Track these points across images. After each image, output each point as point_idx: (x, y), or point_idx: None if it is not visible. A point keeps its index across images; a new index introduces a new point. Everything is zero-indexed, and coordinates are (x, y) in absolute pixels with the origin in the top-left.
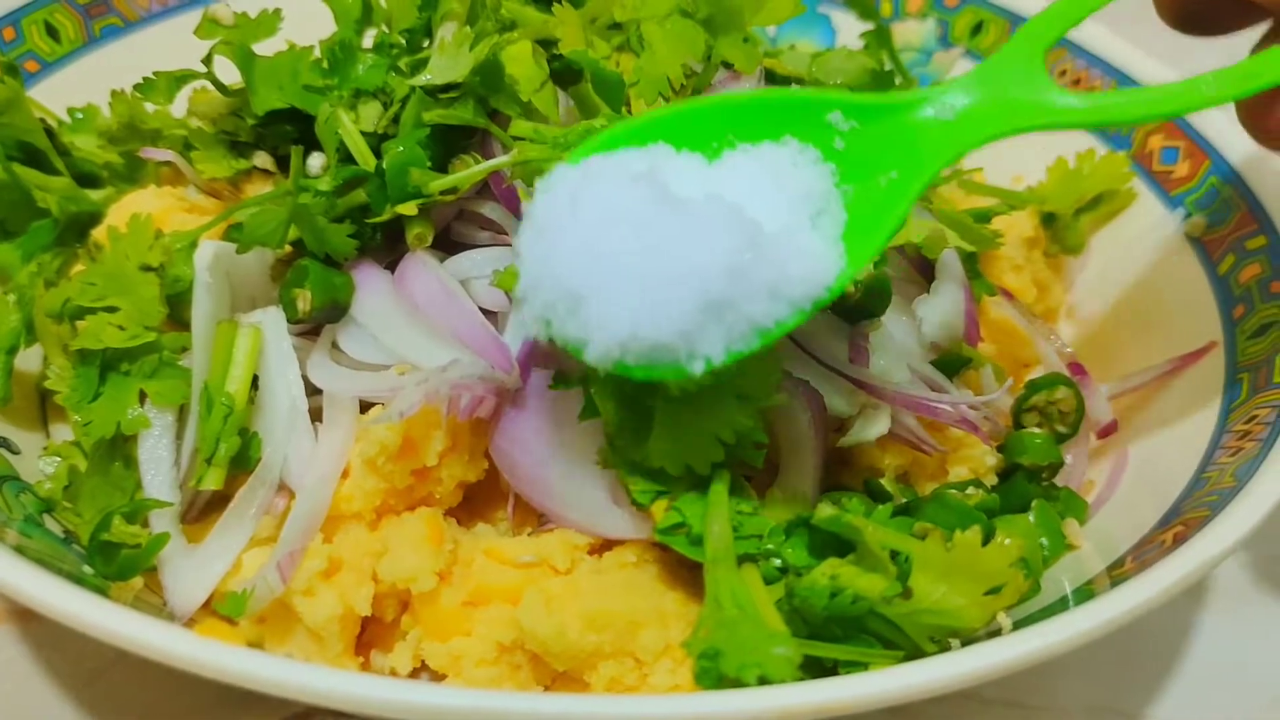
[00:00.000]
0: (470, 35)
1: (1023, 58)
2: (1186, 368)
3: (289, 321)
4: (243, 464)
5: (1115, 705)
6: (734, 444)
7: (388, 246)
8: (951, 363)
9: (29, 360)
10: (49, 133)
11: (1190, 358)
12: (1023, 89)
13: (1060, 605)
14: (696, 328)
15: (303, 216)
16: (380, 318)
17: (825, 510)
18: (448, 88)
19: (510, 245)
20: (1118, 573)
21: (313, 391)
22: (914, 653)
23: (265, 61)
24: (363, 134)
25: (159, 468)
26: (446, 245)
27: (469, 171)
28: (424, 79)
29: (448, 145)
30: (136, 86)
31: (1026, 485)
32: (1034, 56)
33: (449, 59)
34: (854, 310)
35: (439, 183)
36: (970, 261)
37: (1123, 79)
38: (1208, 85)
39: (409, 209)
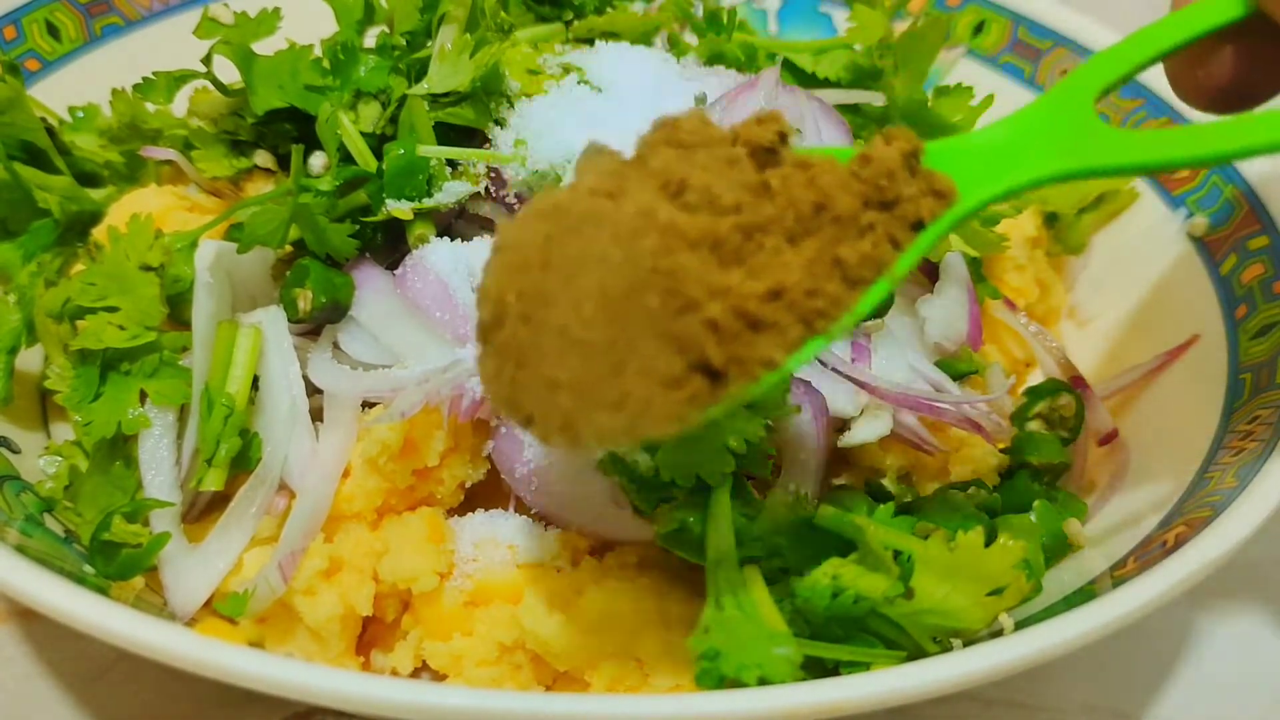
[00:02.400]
0: (470, 43)
1: (1071, 103)
2: (1173, 362)
3: (289, 321)
4: (243, 464)
5: (1116, 706)
6: (744, 454)
7: (388, 246)
8: (957, 369)
9: (30, 360)
10: (50, 132)
11: (1174, 353)
12: (1072, 131)
13: (1062, 606)
14: None
15: (304, 216)
16: (381, 318)
17: (827, 510)
18: (448, 93)
19: None
20: (1120, 573)
21: (313, 391)
22: (916, 653)
23: (265, 61)
24: (363, 134)
25: (160, 468)
26: None
27: (472, 153)
28: (423, 88)
29: (450, 146)
30: (136, 87)
31: (1030, 485)
32: (1084, 103)
33: (449, 66)
34: None
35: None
36: (974, 264)
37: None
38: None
39: (404, 213)
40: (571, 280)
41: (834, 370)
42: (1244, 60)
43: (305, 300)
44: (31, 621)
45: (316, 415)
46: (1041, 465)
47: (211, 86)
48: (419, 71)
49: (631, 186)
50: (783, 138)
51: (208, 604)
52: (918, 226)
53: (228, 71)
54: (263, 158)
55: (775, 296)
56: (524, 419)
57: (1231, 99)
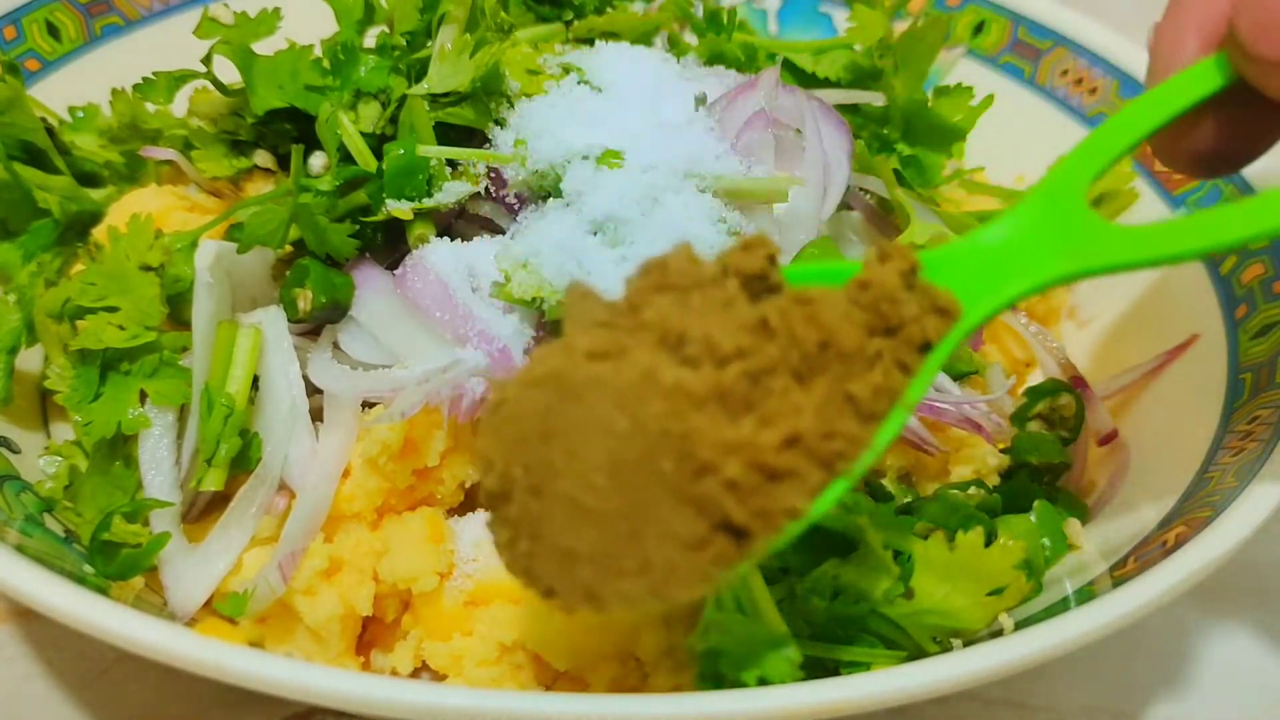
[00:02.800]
0: (470, 43)
1: (1064, 198)
2: (1172, 362)
3: (289, 321)
4: (243, 464)
5: (1116, 706)
6: None
7: (388, 246)
8: (957, 369)
9: (30, 360)
10: (50, 132)
11: (1174, 352)
12: (1069, 230)
13: (1062, 606)
14: None
15: (304, 216)
16: (381, 318)
17: None
18: (448, 93)
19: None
20: (1120, 573)
21: (313, 391)
22: (916, 653)
23: (265, 61)
24: (363, 134)
25: (160, 468)
26: None
27: (472, 153)
28: (423, 89)
29: (450, 146)
30: (136, 87)
31: (1030, 485)
32: (1077, 196)
33: (449, 67)
34: None
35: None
36: None
37: (1125, 79)
38: None
39: (404, 213)
40: (579, 451)
41: None
42: (1227, 128)
43: (305, 300)
44: (31, 621)
45: (316, 415)
46: (1041, 465)
47: (211, 86)
48: (419, 71)
49: (628, 344)
50: (771, 260)
51: (208, 604)
52: (924, 347)
53: (228, 71)
54: (263, 158)
55: (791, 444)
56: (545, 590)
57: (1217, 165)
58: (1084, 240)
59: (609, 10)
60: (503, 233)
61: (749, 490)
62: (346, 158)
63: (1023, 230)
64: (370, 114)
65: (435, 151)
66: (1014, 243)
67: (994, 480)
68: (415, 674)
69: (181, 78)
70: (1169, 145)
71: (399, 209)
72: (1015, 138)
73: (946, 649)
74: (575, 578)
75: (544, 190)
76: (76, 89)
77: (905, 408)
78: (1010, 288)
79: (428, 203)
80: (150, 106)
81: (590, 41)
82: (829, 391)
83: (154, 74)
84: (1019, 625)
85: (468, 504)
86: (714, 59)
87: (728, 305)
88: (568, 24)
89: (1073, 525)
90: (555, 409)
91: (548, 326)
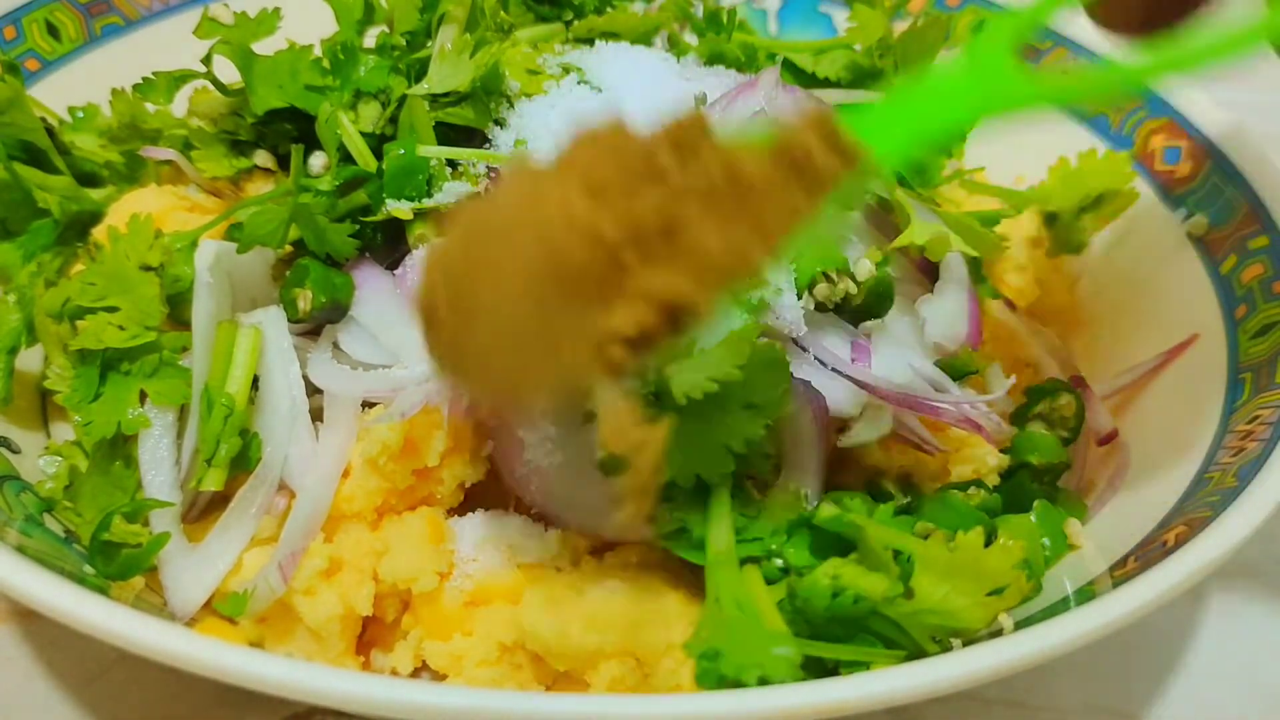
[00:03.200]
0: (470, 43)
1: (987, 50)
2: (1172, 361)
3: (290, 321)
4: (243, 464)
5: (1116, 706)
6: (744, 454)
7: (389, 246)
8: (957, 369)
9: (29, 360)
10: (50, 132)
11: (1174, 352)
12: (992, 75)
13: (1062, 606)
14: None
15: (303, 216)
16: (381, 318)
17: (827, 510)
18: (448, 93)
19: None
20: (1120, 573)
21: (313, 391)
22: (916, 653)
23: (264, 61)
24: (363, 134)
25: (160, 468)
26: None
27: (472, 153)
28: (423, 89)
29: (449, 146)
30: (136, 87)
31: (1030, 485)
32: (1001, 48)
33: (449, 67)
34: (857, 311)
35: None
36: (974, 264)
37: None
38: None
39: (404, 213)
40: (496, 266)
41: (834, 370)
42: None
43: (305, 300)
44: (31, 621)
45: (316, 415)
46: (1041, 465)
47: (211, 86)
48: (419, 71)
49: (547, 185)
50: (703, 131)
51: (208, 604)
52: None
53: (228, 71)
54: (263, 158)
55: (685, 238)
56: (471, 389)
57: (1151, 23)
58: (1005, 84)
59: (609, 10)
60: None
61: (649, 258)
62: (346, 158)
63: (944, 82)
64: (370, 114)
65: (435, 151)
66: (934, 92)
67: (994, 480)
68: (415, 674)
69: (181, 78)
70: (1100, 7)
71: (399, 209)
72: (1015, 138)
73: (946, 649)
74: (493, 370)
75: None
76: (76, 89)
77: (807, 224)
78: (927, 126)
79: (428, 203)
80: (150, 106)
81: (590, 41)
82: (734, 210)
83: (154, 74)
84: (1019, 625)
85: (468, 504)
86: (714, 59)
87: (648, 156)
88: (568, 24)
89: (1073, 525)
90: (477, 242)
91: None
